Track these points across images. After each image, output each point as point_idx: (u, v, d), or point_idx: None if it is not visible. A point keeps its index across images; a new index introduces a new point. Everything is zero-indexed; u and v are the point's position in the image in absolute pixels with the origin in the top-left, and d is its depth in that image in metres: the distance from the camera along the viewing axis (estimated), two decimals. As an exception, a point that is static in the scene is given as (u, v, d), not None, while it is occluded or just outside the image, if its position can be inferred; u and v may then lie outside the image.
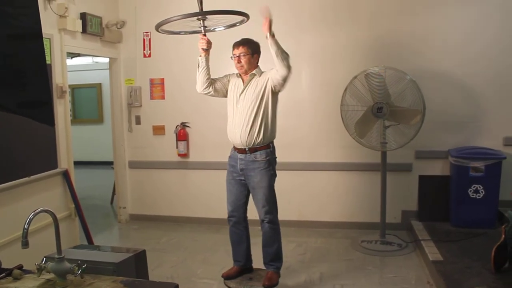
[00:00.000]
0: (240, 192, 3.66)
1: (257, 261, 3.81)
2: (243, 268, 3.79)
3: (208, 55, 3.50)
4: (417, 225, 4.71)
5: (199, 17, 3.19)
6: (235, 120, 3.53)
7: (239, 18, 3.25)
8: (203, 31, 3.34)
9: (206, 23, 3.29)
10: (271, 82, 3.45)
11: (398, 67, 4.27)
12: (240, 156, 3.56)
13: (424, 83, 4.37)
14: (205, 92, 3.64)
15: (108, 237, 5.31)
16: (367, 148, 4.44)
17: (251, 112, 3.47)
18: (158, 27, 3.18)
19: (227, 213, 3.73)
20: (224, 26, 3.47)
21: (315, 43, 4.92)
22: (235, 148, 3.61)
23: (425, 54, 4.74)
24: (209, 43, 3.44)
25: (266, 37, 3.25)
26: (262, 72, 3.56)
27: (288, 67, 3.29)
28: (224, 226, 3.74)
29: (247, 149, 3.52)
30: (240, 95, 3.53)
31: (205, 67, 3.51)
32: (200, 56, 3.48)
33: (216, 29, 3.52)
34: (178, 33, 3.50)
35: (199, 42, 3.43)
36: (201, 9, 3.17)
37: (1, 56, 2.00)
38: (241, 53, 3.49)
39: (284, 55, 3.27)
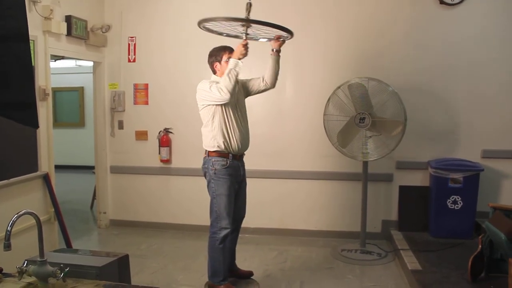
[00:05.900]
0: None
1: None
2: None
3: None
4: (396, 235, 4.77)
5: (244, 23, 3.13)
6: (243, 127, 3.49)
7: (284, 33, 3.28)
8: (244, 37, 3.23)
9: (249, 30, 3.23)
10: (249, 89, 3.62)
11: (381, 78, 4.34)
12: (240, 163, 3.58)
13: (405, 95, 4.44)
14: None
15: (88, 242, 5.24)
16: (349, 157, 4.49)
17: (246, 117, 3.59)
18: (201, 23, 3.14)
19: (226, 227, 3.48)
20: (267, 39, 3.50)
21: (298, 52, 4.95)
22: (234, 156, 3.48)
23: (406, 67, 4.83)
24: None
25: (274, 51, 3.43)
26: None
27: None
28: (205, 233, 3.69)
29: (245, 153, 3.63)
30: (238, 102, 3.50)
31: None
32: (241, 61, 3.25)
33: (259, 39, 3.52)
34: (220, 33, 3.43)
35: (242, 45, 3.21)
36: (248, 15, 3.06)
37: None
38: None
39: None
